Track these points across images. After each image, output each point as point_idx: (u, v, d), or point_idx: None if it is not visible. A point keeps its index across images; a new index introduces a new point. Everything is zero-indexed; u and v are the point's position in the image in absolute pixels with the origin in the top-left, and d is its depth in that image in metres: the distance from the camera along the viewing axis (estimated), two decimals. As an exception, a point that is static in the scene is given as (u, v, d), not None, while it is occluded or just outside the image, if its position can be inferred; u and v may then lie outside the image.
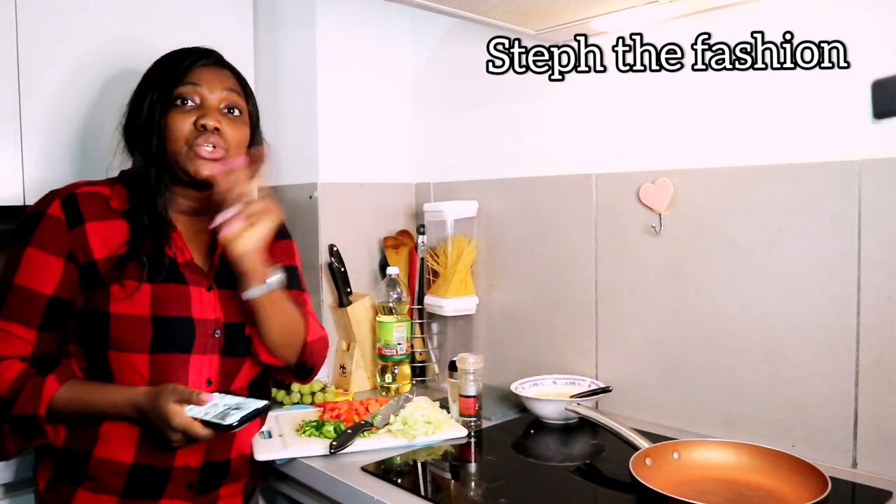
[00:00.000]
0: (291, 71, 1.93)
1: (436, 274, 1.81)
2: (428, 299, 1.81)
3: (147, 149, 1.16)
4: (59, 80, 1.51)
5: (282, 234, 1.34)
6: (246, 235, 1.11)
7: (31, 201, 1.34)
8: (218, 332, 1.20)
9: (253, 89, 1.94)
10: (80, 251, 1.14)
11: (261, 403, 1.10)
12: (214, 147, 1.15)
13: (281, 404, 1.65)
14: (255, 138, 1.25)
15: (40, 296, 1.13)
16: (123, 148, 1.21)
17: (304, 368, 1.32)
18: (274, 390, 1.69)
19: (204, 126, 1.14)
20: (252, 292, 1.15)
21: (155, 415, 1.07)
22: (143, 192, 1.17)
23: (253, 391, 1.27)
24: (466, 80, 1.86)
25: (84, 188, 1.18)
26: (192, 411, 1.07)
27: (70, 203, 1.15)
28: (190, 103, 1.16)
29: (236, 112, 1.20)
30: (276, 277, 1.17)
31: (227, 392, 1.19)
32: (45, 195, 1.18)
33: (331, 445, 1.31)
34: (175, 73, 1.17)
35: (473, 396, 1.46)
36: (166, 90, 1.16)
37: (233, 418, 1.06)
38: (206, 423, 1.06)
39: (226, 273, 1.19)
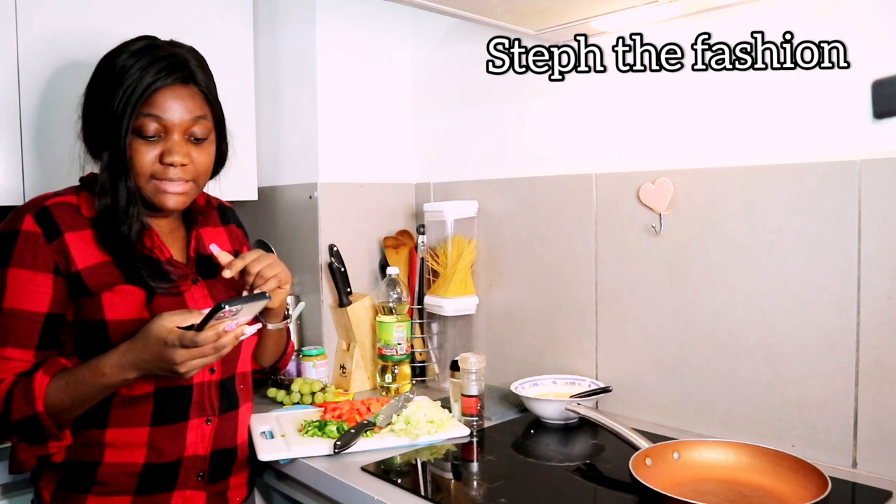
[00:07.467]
0: (291, 70, 1.93)
1: (436, 274, 1.81)
2: (428, 299, 1.81)
3: (115, 170, 1.12)
4: (60, 80, 1.51)
5: (238, 223, 1.41)
6: (280, 292, 1.23)
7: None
8: None
9: (253, 89, 1.91)
10: (63, 263, 1.10)
11: (257, 293, 1.15)
12: (181, 180, 1.14)
13: (281, 404, 1.65)
14: (221, 145, 1.23)
15: (35, 315, 1.10)
16: (85, 152, 1.18)
17: (273, 370, 1.47)
18: (273, 390, 1.69)
19: (171, 163, 1.12)
20: (277, 325, 1.31)
21: (149, 350, 1.03)
22: (113, 208, 1.12)
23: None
24: (466, 79, 1.86)
25: (53, 199, 1.14)
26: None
27: (43, 216, 1.11)
28: (153, 136, 1.11)
29: (202, 137, 1.16)
30: (294, 314, 1.26)
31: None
32: (12, 214, 1.13)
33: (335, 445, 1.31)
34: (134, 98, 1.09)
35: (475, 396, 1.46)
36: (125, 117, 1.09)
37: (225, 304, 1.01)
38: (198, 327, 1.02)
39: (202, 265, 1.23)
